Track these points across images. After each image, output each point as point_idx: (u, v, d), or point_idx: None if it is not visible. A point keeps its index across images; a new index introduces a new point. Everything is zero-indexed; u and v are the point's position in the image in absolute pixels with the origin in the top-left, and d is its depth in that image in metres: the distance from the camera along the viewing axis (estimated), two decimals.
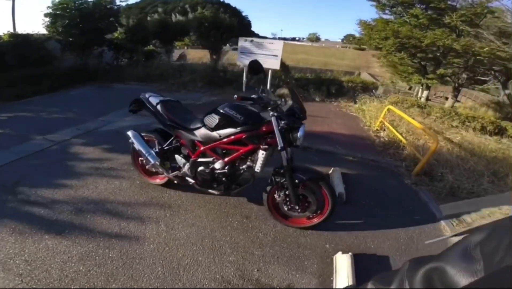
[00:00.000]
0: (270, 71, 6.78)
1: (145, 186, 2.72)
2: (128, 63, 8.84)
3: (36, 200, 2.38)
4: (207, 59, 10.87)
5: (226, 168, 2.11)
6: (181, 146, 2.41)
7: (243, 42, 6.96)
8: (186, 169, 2.31)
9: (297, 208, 2.08)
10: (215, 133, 2.10)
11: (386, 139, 4.89)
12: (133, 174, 2.90)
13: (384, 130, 5.34)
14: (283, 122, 1.90)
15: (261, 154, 1.97)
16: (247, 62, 7.02)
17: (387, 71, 13.45)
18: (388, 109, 5.38)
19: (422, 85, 8.74)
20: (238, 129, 1.99)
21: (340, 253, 1.91)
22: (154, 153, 2.40)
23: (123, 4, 9.03)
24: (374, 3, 9.45)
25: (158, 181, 2.66)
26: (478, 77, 8.80)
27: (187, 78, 7.47)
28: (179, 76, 7.66)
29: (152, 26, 10.17)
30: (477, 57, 7.08)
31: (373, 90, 11.09)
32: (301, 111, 1.97)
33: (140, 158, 2.64)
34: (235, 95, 1.95)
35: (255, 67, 1.96)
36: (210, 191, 2.34)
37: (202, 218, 2.30)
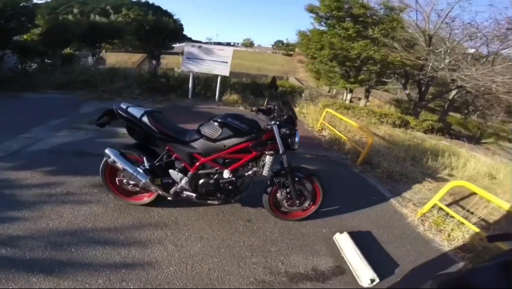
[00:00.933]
0: (219, 77, 7.00)
1: (124, 208, 2.57)
2: (40, 69, 7.42)
3: None
4: (132, 63, 10.15)
5: (232, 176, 2.29)
6: (175, 160, 2.43)
7: (189, 48, 6.92)
8: (183, 183, 2.35)
9: (297, 202, 2.46)
10: (219, 144, 2.25)
11: (329, 137, 5.87)
12: (101, 197, 2.67)
13: (325, 130, 6.37)
14: (283, 129, 2.26)
15: (269, 159, 2.26)
16: (194, 68, 7.16)
17: (310, 76, 15.65)
18: (327, 112, 6.44)
19: (346, 89, 10.70)
20: (244, 138, 2.22)
21: (338, 233, 2.40)
22: (142, 171, 2.34)
23: (41, 2, 7.69)
24: (313, 15, 10.95)
25: (146, 199, 2.56)
26: (383, 80, 11.39)
27: (120, 85, 6.86)
28: (110, 82, 6.94)
29: (78, 28, 8.86)
30: (390, 64, 9.26)
31: (301, 94, 12.76)
32: (295, 118, 2.38)
33: (117, 178, 2.50)
34: (254, 107, 2.20)
35: (274, 82, 2.27)
36: (209, 201, 2.46)
37: (206, 230, 2.39)
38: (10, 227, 2.12)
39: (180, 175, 2.37)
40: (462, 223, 2.64)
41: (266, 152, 2.28)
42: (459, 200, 3.57)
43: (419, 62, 9.17)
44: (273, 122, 2.24)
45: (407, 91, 10.89)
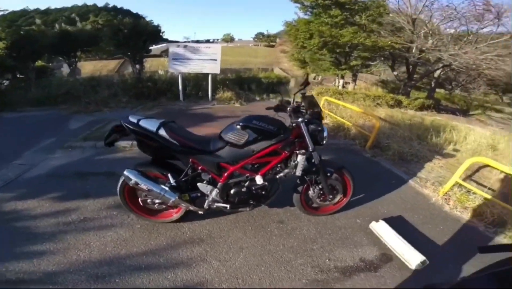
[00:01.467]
0: (210, 76, 6.93)
1: (151, 227, 2.53)
2: (13, 85, 6.98)
3: (21, 278, 1.91)
4: (109, 70, 9.82)
5: (264, 181, 2.30)
6: (202, 172, 2.39)
7: (174, 48, 6.80)
8: (214, 195, 2.33)
9: (330, 197, 2.53)
10: (247, 150, 2.24)
11: (332, 125, 5.98)
12: (123, 219, 2.61)
13: (326, 117, 6.47)
14: (312, 126, 2.29)
15: (301, 158, 2.28)
16: (182, 69, 7.06)
17: (295, 65, 15.81)
18: (325, 100, 6.54)
19: (337, 75, 10.94)
20: (274, 140, 2.22)
21: (374, 222, 2.50)
22: (169, 189, 2.29)
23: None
24: (298, 5, 10.99)
25: (175, 216, 2.52)
26: (368, 63, 11.74)
27: (104, 94, 6.62)
28: (94, 92, 6.69)
29: (46, 38, 8.45)
30: (380, 49, 9.55)
31: (288, 84, 12.90)
32: (321, 112, 2.42)
33: (139, 199, 2.45)
34: (289, 107, 2.22)
35: (307, 80, 2.29)
36: (240, 209, 2.47)
37: (243, 238, 2.40)
38: (40, 263, 2.05)
39: (209, 187, 2.33)
40: (486, 199, 2.81)
41: (297, 152, 2.30)
42: (471, 174, 3.78)
43: (408, 44, 9.58)
44: (300, 119, 2.26)
45: (395, 73, 11.33)
